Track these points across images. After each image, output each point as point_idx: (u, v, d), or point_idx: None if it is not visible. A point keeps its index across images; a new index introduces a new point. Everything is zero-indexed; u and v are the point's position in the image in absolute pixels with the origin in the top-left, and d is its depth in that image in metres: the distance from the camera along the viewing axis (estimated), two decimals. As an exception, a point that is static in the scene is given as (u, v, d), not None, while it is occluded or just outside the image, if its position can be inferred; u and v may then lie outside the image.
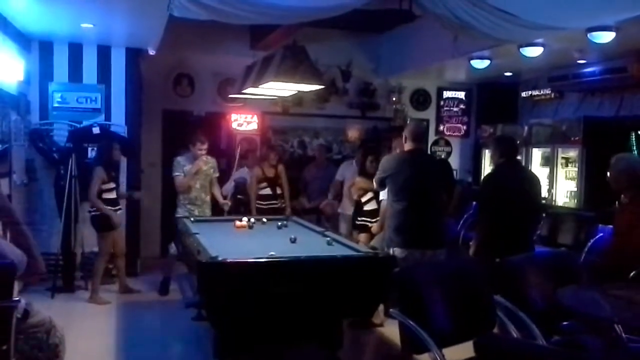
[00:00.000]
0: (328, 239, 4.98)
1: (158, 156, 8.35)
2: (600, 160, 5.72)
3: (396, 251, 4.49)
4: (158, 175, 8.15)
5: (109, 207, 6.17)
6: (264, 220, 6.01)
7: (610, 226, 4.75)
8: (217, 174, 6.74)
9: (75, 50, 7.02)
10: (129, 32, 6.57)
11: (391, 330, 5.13)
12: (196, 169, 6.43)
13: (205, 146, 6.49)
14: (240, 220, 5.73)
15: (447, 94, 10.04)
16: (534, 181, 5.10)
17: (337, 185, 7.23)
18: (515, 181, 4.97)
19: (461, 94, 10.09)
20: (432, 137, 9.87)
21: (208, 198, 6.67)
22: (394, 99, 9.57)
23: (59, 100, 6.97)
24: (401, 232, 4.57)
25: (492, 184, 5.06)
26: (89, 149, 6.92)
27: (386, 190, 5.02)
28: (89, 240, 6.71)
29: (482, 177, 5.20)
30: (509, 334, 3.21)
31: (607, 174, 4.45)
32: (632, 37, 5.72)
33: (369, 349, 5.05)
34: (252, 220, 5.81)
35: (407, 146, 4.78)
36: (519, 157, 5.73)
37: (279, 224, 5.84)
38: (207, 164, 6.57)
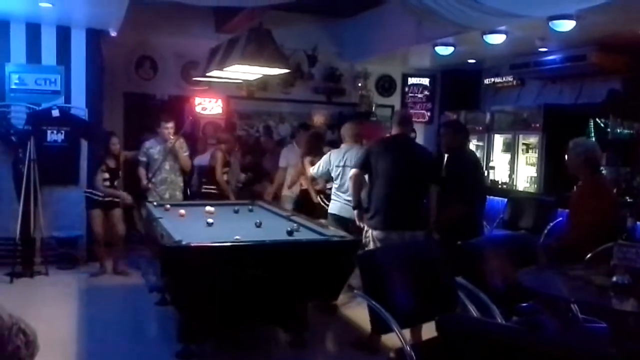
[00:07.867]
0: (294, 223, 4.99)
1: (120, 140, 8.17)
2: (559, 147, 5.80)
3: (375, 233, 4.50)
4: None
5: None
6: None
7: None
8: (187, 152, 6.80)
9: (34, 31, 6.80)
10: (90, 13, 6.41)
11: (355, 314, 5.18)
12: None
13: (170, 124, 6.59)
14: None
15: (411, 80, 10.13)
16: (481, 165, 5.32)
17: (281, 172, 6.81)
18: (475, 165, 5.17)
19: (425, 81, 10.18)
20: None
21: (179, 180, 6.75)
22: (359, 84, 9.59)
23: (17, 81, 6.76)
24: (380, 213, 4.60)
25: (468, 166, 5.11)
26: (49, 131, 6.75)
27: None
28: (49, 225, 6.59)
29: (451, 159, 5.20)
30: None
31: (565, 158, 4.57)
32: (591, 25, 5.84)
33: (333, 332, 5.09)
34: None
35: (394, 131, 4.85)
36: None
37: (246, 208, 5.83)
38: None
